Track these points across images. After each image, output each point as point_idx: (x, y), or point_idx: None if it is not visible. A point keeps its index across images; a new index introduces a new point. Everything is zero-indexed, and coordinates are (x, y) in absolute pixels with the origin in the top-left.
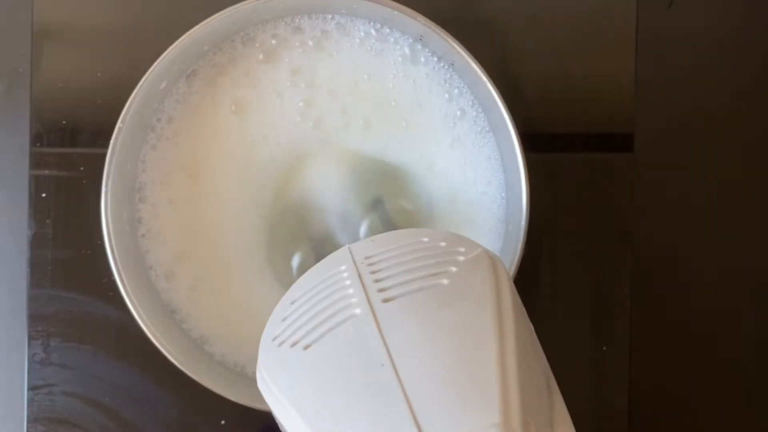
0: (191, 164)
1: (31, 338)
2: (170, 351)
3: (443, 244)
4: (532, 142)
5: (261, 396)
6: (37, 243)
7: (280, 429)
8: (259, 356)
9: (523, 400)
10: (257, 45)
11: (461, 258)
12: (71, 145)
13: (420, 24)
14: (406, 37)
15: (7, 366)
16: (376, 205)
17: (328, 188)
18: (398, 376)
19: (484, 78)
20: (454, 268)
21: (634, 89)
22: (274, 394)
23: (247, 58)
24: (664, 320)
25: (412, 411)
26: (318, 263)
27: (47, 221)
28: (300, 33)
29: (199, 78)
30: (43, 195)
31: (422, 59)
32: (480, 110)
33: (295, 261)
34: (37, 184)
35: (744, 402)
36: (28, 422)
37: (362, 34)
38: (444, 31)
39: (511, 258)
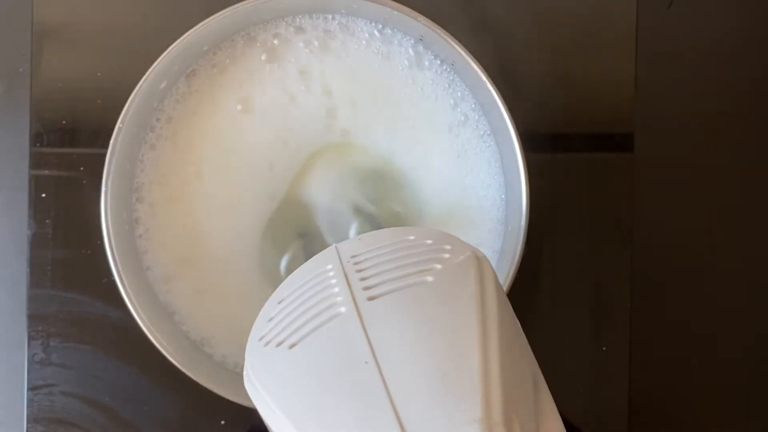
0: (190, 165)
1: (31, 338)
2: (170, 351)
3: (429, 242)
4: (532, 142)
5: None
6: (37, 243)
7: (267, 430)
8: (246, 357)
9: (506, 395)
10: (258, 44)
11: (447, 255)
12: (71, 145)
13: (420, 24)
14: (409, 38)
15: (7, 366)
16: (366, 206)
17: (322, 189)
18: (381, 373)
19: (484, 78)
20: (439, 266)
21: (634, 89)
22: (260, 394)
23: (248, 58)
24: (664, 320)
25: (394, 408)
26: (305, 263)
27: (47, 221)
28: (302, 33)
29: (199, 78)
30: (43, 195)
31: (426, 63)
32: (481, 114)
33: (284, 261)
34: (37, 184)
35: (744, 402)
36: (27, 422)
37: (366, 35)
38: (444, 31)
39: (511, 258)
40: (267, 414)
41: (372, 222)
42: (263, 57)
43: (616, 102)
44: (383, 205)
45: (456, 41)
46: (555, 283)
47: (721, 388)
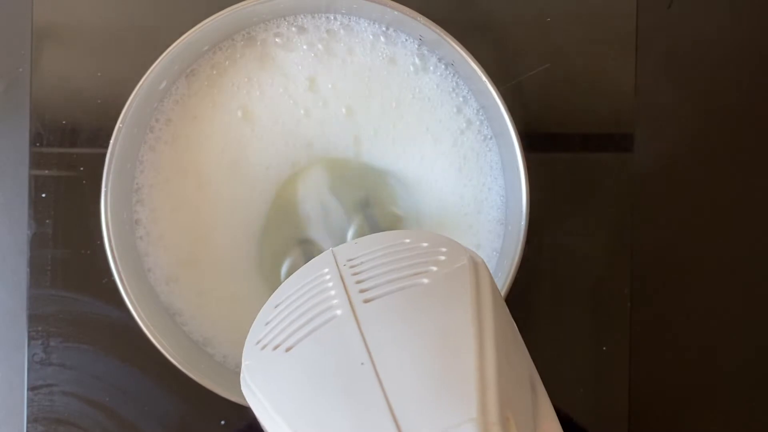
0: (190, 169)
1: (31, 338)
2: (170, 351)
3: (425, 244)
4: (533, 142)
5: None
6: (37, 243)
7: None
8: (243, 360)
9: (502, 395)
10: (259, 44)
11: (442, 258)
12: (71, 145)
13: (420, 24)
14: (413, 40)
15: (7, 366)
16: (364, 210)
17: (320, 193)
18: (377, 374)
19: (484, 78)
20: (434, 268)
21: (634, 89)
22: (257, 398)
23: (249, 58)
24: (664, 320)
25: (390, 408)
26: (302, 267)
27: (47, 221)
28: (305, 33)
29: (199, 79)
30: (43, 195)
31: (431, 67)
32: (484, 118)
33: (284, 266)
34: (37, 184)
35: (744, 402)
36: (28, 422)
37: (371, 36)
38: (444, 31)
39: (511, 258)
40: (264, 417)
41: (371, 225)
42: (264, 58)
43: (616, 102)
44: (382, 208)
45: (456, 41)
46: (555, 283)
47: (721, 389)
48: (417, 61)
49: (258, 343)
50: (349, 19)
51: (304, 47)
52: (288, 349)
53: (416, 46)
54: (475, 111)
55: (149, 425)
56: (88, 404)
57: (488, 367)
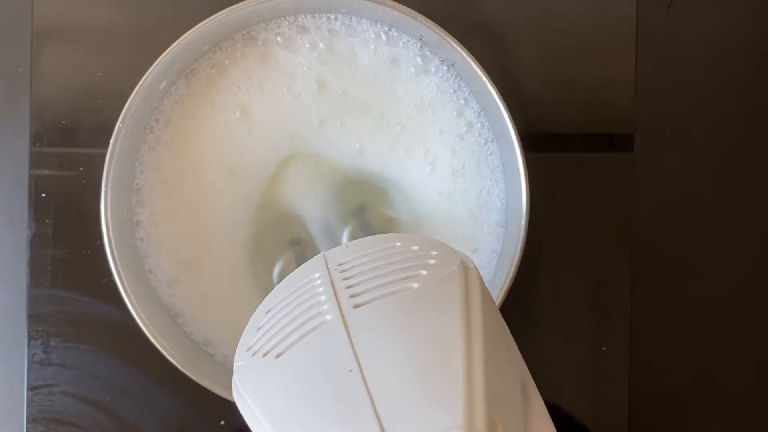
0: (189, 171)
1: (30, 338)
2: (170, 351)
3: (415, 248)
4: (533, 142)
5: None
6: (37, 243)
7: None
8: (234, 367)
9: (490, 400)
10: (260, 44)
11: (432, 262)
12: (71, 145)
13: (420, 24)
14: (414, 41)
15: (7, 366)
16: (359, 213)
17: (316, 196)
18: (365, 380)
19: (484, 77)
20: (424, 272)
21: (634, 89)
22: (248, 404)
23: (249, 58)
24: (664, 320)
25: (377, 415)
26: (294, 272)
27: (47, 221)
28: (306, 33)
29: (198, 79)
30: (43, 195)
31: (432, 69)
32: (485, 120)
33: (276, 269)
34: (37, 184)
35: (744, 402)
36: (27, 422)
37: (372, 36)
38: (444, 31)
39: (511, 259)
40: (254, 424)
41: (365, 228)
42: (265, 58)
43: (616, 102)
44: (378, 211)
45: (456, 41)
46: (555, 283)
47: (721, 389)
48: (419, 62)
49: (249, 349)
50: (351, 19)
51: (306, 48)
52: (278, 356)
53: (418, 47)
54: (476, 113)
55: (149, 425)
56: (88, 404)
57: (476, 373)
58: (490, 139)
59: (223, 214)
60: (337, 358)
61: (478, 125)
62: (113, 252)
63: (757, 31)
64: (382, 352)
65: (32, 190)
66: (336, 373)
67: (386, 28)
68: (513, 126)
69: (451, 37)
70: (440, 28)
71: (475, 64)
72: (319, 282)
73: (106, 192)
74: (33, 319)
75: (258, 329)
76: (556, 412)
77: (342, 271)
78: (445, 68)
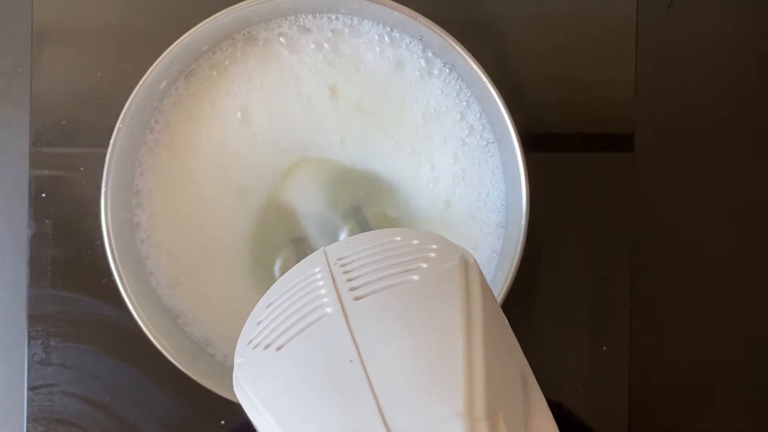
0: (187, 171)
1: (31, 338)
2: (170, 351)
3: (415, 242)
4: (533, 142)
5: None
6: (37, 243)
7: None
8: (235, 360)
9: (490, 390)
10: (261, 44)
11: (432, 255)
12: (71, 145)
13: (420, 24)
14: (416, 42)
15: (7, 366)
16: (357, 212)
17: (315, 194)
18: (366, 371)
19: (484, 77)
20: (424, 265)
21: (634, 89)
22: (249, 397)
23: (250, 57)
24: (664, 320)
25: (378, 404)
26: (294, 267)
27: (47, 221)
28: (308, 33)
29: (198, 79)
30: (43, 195)
31: (435, 72)
32: (486, 122)
33: (276, 266)
34: (37, 184)
35: (744, 402)
36: (28, 422)
37: (376, 37)
38: (443, 30)
39: (511, 259)
40: (255, 416)
41: (364, 226)
42: (265, 58)
43: (616, 102)
44: (376, 210)
45: (455, 41)
46: (555, 283)
47: (721, 388)
48: (423, 64)
49: (250, 342)
50: (352, 19)
51: (311, 49)
52: (279, 348)
53: (420, 48)
54: (477, 116)
55: (149, 425)
56: (88, 404)
57: (476, 364)
58: (491, 141)
59: (223, 218)
60: (337, 350)
61: (480, 128)
62: (113, 252)
63: (757, 32)
64: (383, 343)
65: (32, 190)
66: (337, 364)
67: (389, 29)
68: (513, 127)
69: (451, 37)
70: (440, 28)
71: (476, 64)
72: (319, 276)
73: (106, 192)
74: (33, 319)
75: (258, 323)
76: (557, 409)
77: (342, 265)
78: (447, 71)
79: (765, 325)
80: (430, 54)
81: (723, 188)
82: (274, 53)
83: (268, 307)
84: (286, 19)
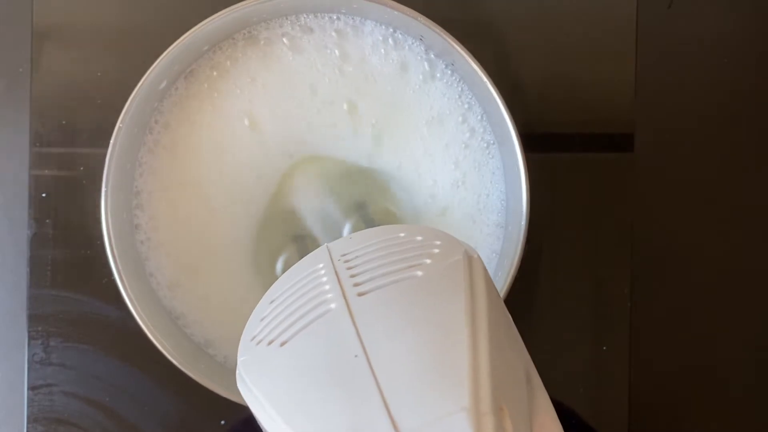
0: (187, 173)
1: (31, 338)
2: (170, 351)
3: (419, 238)
4: (533, 142)
5: None
6: (37, 243)
7: (261, 429)
8: (239, 357)
9: (496, 386)
10: (262, 43)
11: (436, 251)
12: (71, 145)
13: (420, 24)
14: (419, 43)
15: (7, 366)
16: (360, 209)
17: (318, 192)
18: (371, 366)
19: (484, 77)
20: (428, 261)
21: (634, 89)
22: (253, 393)
23: (251, 57)
24: (664, 320)
25: (383, 399)
26: (297, 263)
27: (47, 221)
28: (311, 33)
29: (198, 79)
30: (43, 195)
31: (438, 74)
32: (487, 124)
33: (279, 264)
34: (37, 184)
35: (744, 402)
36: (28, 422)
37: (380, 38)
38: (443, 30)
39: (511, 259)
40: (260, 412)
41: (367, 223)
42: (267, 58)
43: (616, 102)
44: (379, 208)
45: (455, 41)
46: (555, 283)
47: (721, 389)
48: (426, 67)
49: (253, 339)
50: (354, 19)
51: (314, 49)
52: (283, 344)
53: (423, 49)
54: (479, 118)
55: (149, 425)
56: (88, 404)
57: (481, 359)
58: (491, 142)
59: (224, 218)
60: (342, 345)
61: (481, 129)
62: (113, 252)
63: (757, 32)
64: (388, 339)
65: (32, 190)
66: (341, 360)
67: (392, 30)
68: (514, 128)
69: (451, 37)
70: (440, 27)
71: (476, 64)
72: (323, 272)
73: (106, 192)
74: (33, 319)
75: (262, 319)
76: (557, 407)
77: (346, 261)
78: (450, 73)
79: (765, 325)
80: (432, 56)
81: (723, 188)
82: (277, 54)
83: (271, 303)
84: (287, 18)
